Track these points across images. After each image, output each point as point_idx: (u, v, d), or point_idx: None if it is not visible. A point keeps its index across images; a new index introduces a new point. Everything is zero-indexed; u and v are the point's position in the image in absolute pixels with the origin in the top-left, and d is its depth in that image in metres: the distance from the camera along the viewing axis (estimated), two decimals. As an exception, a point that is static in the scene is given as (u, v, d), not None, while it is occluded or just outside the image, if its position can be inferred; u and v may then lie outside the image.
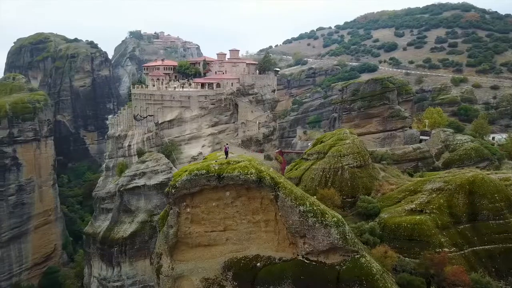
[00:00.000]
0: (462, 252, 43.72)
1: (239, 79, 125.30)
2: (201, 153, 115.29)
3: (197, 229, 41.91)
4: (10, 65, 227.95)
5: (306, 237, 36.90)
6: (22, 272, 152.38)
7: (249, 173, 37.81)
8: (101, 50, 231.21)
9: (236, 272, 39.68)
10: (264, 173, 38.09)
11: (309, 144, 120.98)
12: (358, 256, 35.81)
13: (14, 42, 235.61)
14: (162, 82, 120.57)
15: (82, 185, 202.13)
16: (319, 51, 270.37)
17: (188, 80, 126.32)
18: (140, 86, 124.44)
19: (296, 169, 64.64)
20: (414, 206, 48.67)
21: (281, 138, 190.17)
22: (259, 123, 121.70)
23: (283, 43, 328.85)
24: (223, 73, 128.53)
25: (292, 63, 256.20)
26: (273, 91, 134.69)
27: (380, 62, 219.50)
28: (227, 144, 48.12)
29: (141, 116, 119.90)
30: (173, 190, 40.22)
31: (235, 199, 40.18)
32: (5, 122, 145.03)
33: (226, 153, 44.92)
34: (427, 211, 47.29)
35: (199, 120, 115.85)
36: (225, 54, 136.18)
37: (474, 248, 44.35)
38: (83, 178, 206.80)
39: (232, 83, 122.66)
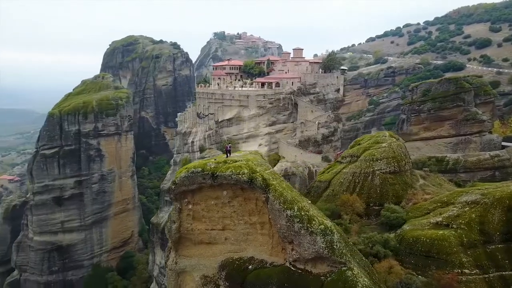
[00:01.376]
0: (487, 275, 38.02)
1: (300, 78, 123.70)
2: (257, 151, 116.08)
3: (198, 226, 42.39)
4: (105, 65, 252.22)
5: (293, 243, 35.22)
6: (102, 254, 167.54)
7: (241, 173, 37.17)
8: (183, 51, 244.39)
9: (229, 272, 39.34)
10: (257, 174, 37.12)
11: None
12: (345, 268, 33.15)
13: (110, 45, 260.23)
14: (224, 82, 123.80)
15: (161, 178, 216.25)
16: (402, 49, 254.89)
17: (251, 80, 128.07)
18: (204, 85, 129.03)
19: (328, 172, 61.84)
20: (440, 219, 43.61)
21: (348, 140, 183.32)
22: (318, 123, 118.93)
23: (366, 41, 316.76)
24: (286, 72, 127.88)
25: (372, 61, 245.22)
26: (337, 90, 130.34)
27: (469, 60, 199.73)
28: (229, 144, 47.69)
29: (203, 114, 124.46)
30: (173, 186, 41.17)
31: (232, 199, 39.82)
32: (92, 117, 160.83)
33: (227, 152, 44.70)
34: (453, 225, 42.05)
35: (257, 119, 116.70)
36: (289, 53, 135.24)
37: (503, 272, 38.30)
38: (162, 171, 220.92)
39: (292, 82, 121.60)
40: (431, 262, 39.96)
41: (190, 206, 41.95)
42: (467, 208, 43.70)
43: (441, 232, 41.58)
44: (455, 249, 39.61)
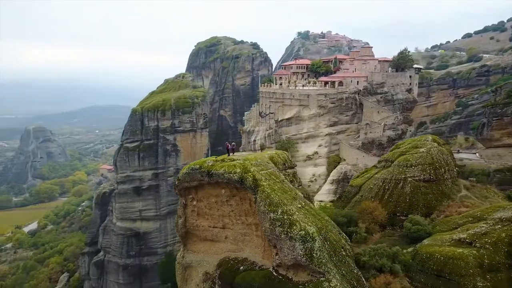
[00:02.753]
0: (504, 306, 32.54)
1: (367, 77, 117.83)
2: (316, 152, 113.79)
3: (202, 222, 42.91)
4: (190, 66, 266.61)
5: (276, 247, 33.83)
6: (175, 243, 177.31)
7: (232, 172, 36.75)
8: (262, 51, 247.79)
9: (222, 272, 39.19)
10: (249, 174, 36.34)
11: (476, 154, 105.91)
12: (323, 279, 30.87)
13: (195, 46, 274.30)
14: (285, 81, 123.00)
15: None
16: (502, 45, 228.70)
17: (316, 78, 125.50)
18: (267, 85, 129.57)
19: (362, 177, 58.04)
20: (464, 235, 38.32)
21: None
22: (385, 125, 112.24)
23: (462, 38, 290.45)
24: (353, 71, 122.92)
25: (464, 60, 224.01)
26: (408, 90, 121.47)
27: None
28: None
29: (264, 113, 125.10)
30: (176, 182, 42.25)
31: (229, 198, 39.56)
32: (169, 114, 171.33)
33: (228, 150, 44.37)
34: (477, 244, 36.68)
35: (317, 119, 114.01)
36: (359, 51, 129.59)
37: (526, 305, 32.41)
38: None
39: (358, 82, 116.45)
40: (441, 283, 35.37)
41: (194, 202, 42.68)
42: (499, 226, 37.86)
43: (459, 250, 36.58)
44: (471, 270, 34.54)
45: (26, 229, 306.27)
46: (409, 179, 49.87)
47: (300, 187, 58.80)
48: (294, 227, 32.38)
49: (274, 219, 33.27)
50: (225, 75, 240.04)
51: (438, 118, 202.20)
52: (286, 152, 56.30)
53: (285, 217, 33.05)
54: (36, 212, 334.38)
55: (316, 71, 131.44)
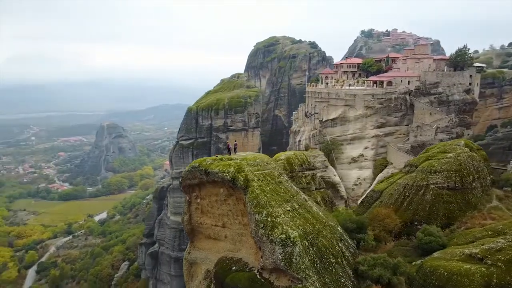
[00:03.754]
0: (508, 333, 28.86)
1: (419, 76, 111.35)
2: (362, 155, 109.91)
3: (206, 220, 43.34)
4: (248, 66, 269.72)
5: (261, 249, 33.20)
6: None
7: (225, 171, 36.68)
8: (320, 50, 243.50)
9: (217, 270, 39.28)
10: (241, 173, 36.02)
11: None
12: (300, 286, 29.65)
13: (254, 46, 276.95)
14: (333, 80, 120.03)
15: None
16: None
17: (366, 78, 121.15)
18: (314, 84, 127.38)
19: (385, 181, 54.85)
20: (477, 250, 34.65)
21: (500, 150, 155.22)
22: (437, 127, 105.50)
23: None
24: (406, 70, 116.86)
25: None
26: (467, 91, 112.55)
27: None
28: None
29: (309, 113, 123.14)
30: (180, 180, 43.07)
31: (227, 197, 39.53)
32: (222, 113, 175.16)
33: (229, 149, 44.13)
34: (488, 261, 33.00)
35: (364, 120, 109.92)
36: (413, 49, 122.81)
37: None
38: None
39: (409, 81, 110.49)
40: (442, 301, 32.41)
41: (198, 200, 43.28)
42: (518, 242, 33.81)
43: (467, 266, 33.20)
44: (475, 290, 31.26)
45: (96, 218, 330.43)
46: (432, 186, 46.23)
47: (323, 189, 57.33)
48: (276, 230, 31.61)
49: (258, 221, 32.75)
50: (281, 74, 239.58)
51: (510, 121, 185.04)
52: (305, 154, 55.16)
53: (269, 219, 32.39)
54: (107, 203, 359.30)
55: (367, 70, 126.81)
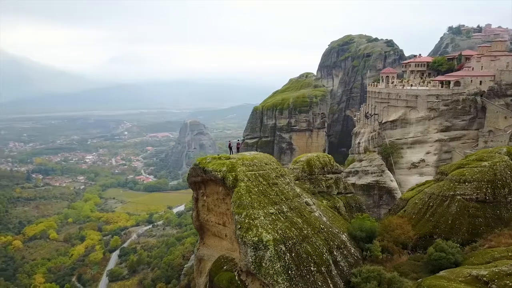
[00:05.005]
0: None
1: (494, 76, 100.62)
2: (423, 160, 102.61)
3: (211, 218, 43.77)
4: (321, 65, 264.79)
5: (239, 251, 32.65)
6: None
7: (218, 170, 36.70)
8: (397, 48, 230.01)
9: (211, 269, 39.48)
10: (232, 173, 35.76)
11: None
12: (267, 291, 28.53)
13: (328, 45, 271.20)
14: (394, 79, 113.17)
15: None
16: None
17: (432, 78, 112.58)
18: (375, 84, 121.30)
19: (416, 189, 50.27)
20: (485, 273, 30.36)
21: None
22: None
23: None
24: (480, 69, 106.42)
25: None
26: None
27: None
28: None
29: (369, 114, 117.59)
30: (187, 176, 43.96)
31: (225, 196, 39.49)
32: (286, 113, 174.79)
33: (231, 148, 43.66)
34: (494, 285, 28.80)
35: (426, 123, 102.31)
36: (489, 46, 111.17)
37: None
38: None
39: (481, 81, 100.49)
40: (431, 325, 29.01)
41: (204, 198, 43.92)
42: (533, 268, 29.02)
43: (466, 289, 29.36)
44: (468, 317, 27.51)
45: (175, 210, 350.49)
46: (458, 197, 41.39)
47: (350, 195, 54.82)
48: (250, 232, 30.98)
49: (237, 221, 32.41)
50: (354, 74, 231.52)
51: None
52: (329, 156, 52.87)
53: (246, 220, 31.86)
54: (185, 196, 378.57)
55: (437, 69, 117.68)
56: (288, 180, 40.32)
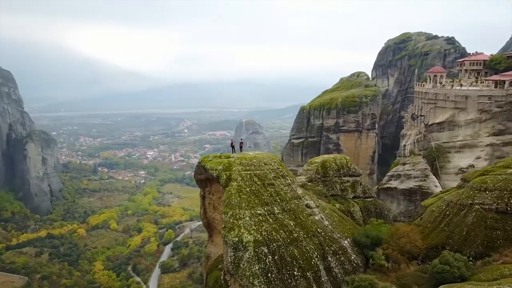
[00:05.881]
0: None
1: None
2: (472, 165, 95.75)
3: (217, 216, 44.08)
4: (376, 64, 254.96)
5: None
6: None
7: (214, 169, 36.86)
8: (458, 46, 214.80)
9: (209, 266, 39.84)
10: (226, 172, 35.75)
11: None
12: (243, 292, 28.11)
13: (384, 43, 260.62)
14: (442, 79, 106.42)
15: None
16: None
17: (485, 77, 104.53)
18: (422, 84, 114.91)
19: (436, 196, 46.85)
20: (487, 291, 27.69)
21: None
22: None
23: None
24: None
25: None
26: None
27: None
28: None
29: (415, 116, 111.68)
30: (194, 174, 44.60)
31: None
32: (334, 113, 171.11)
33: (233, 147, 43.32)
34: (488, 306, 26.18)
35: (477, 126, 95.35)
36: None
37: None
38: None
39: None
40: None
41: (211, 196, 44.41)
42: (537, 289, 25.97)
43: (458, 307, 26.95)
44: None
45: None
46: (476, 206, 37.95)
47: (370, 199, 52.81)
48: (232, 232, 30.85)
49: (223, 221, 32.41)
50: (410, 73, 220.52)
51: None
52: (347, 158, 51.04)
53: (231, 220, 31.77)
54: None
55: (494, 68, 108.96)
56: (289, 181, 39.56)
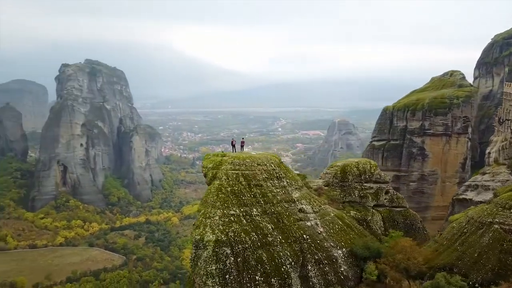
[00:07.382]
0: None
1: None
2: None
3: (223, 214, 44.41)
4: (479, 62, 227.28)
5: (199, 247, 32.69)
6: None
7: (205, 166, 37.20)
8: None
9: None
10: (213, 171, 35.81)
11: None
12: (197, 290, 27.90)
13: (491, 39, 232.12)
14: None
15: None
16: None
17: None
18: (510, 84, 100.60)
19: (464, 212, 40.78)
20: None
21: None
22: None
23: None
24: None
25: None
26: None
27: None
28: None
29: (502, 120, 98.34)
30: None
31: (224, 193, 39.71)
32: (419, 115, 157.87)
33: (233, 146, 42.44)
34: None
35: None
36: None
37: None
38: None
39: None
40: None
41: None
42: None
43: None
44: None
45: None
46: (495, 226, 32.22)
47: (398, 209, 48.94)
48: (197, 230, 31.08)
49: (196, 219, 32.74)
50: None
51: None
52: (372, 162, 47.43)
53: (201, 218, 31.95)
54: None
55: None
56: (284, 183, 38.15)
